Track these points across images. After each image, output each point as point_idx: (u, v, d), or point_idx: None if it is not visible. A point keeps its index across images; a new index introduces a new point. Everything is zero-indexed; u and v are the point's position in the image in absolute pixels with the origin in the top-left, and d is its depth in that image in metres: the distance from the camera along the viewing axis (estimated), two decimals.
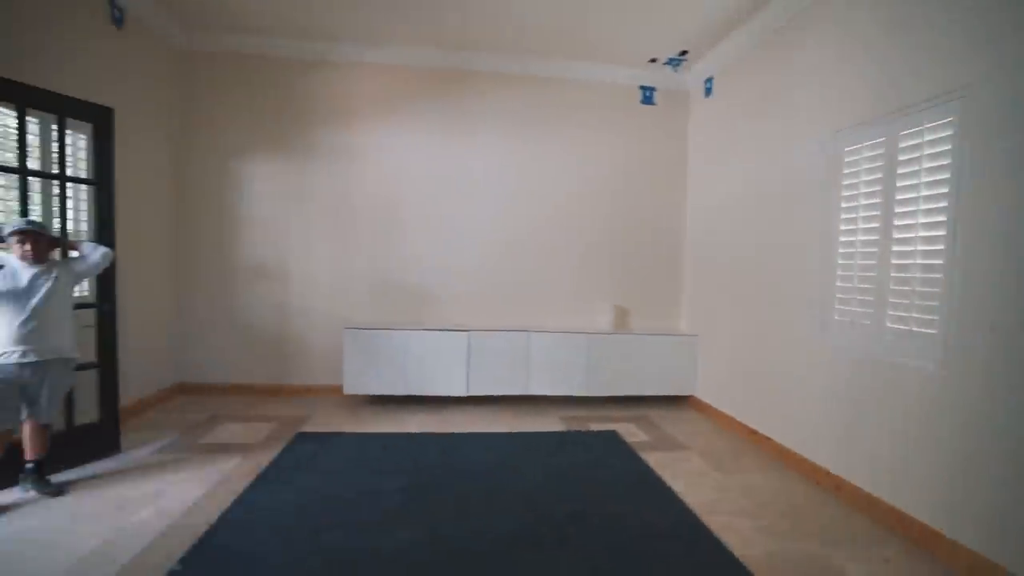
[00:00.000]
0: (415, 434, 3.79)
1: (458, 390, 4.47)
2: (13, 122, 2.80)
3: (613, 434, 3.91)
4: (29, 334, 2.54)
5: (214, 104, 4.56)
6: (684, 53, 4.54)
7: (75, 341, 2.79)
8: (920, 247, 2.52)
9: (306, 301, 4.70)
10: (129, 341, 3.53)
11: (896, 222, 2.66)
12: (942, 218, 2.41)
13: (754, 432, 3.79)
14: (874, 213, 2.80)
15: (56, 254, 2.86)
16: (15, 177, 2.82)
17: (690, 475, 3.18)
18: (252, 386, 4.66)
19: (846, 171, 3.02)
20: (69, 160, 3.13)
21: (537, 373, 4.54)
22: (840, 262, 3.03)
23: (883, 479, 2.68)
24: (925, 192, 2.52)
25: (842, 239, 3.02)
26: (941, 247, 2.40)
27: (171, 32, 4.30)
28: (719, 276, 4.42)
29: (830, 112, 3.15)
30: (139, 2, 3.86)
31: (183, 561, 2.12)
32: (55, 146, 3.00)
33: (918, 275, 2.52)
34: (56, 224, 3.00)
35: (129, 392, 3.71)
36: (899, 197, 2.65)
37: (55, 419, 2.79)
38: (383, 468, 3.13)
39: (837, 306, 3.04)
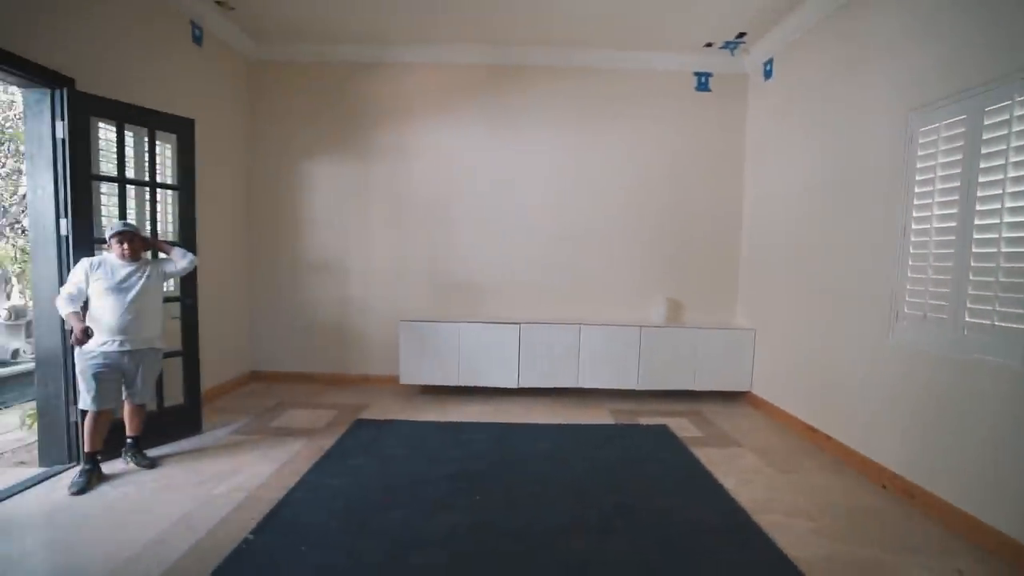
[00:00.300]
0: (467, 423, 3.91)
1: (509, 382, 4.55)
2: (113, 136, 3.16)
3: (664, 428, 3.86)
4: (126, 325, 2.85)
5: (280, 110, 4.87)
6: (741, 36, 4.35)
7: (163, 332, 3.11)
8: (1005, 234, 2.30)
9: (365, 295, 4.94)
10: (208, 332, 3.87)
11: (978, 207, 2.44)
12: None
13: (814, 430, 3.61)
14: (952, 198, 2.58)
15: (147, 254, 3.19)
16: (115, 185, 3.18)
17: (743, 472, 3.09)
18: (316, 375, 4.97)
19: (920, 153, 2.79)
20: (158, 168, 3.47)
21: (588, 366, 4.54)
22: (912, 251, 2.82)
23: (958, 484, 2.48)
24: (1013, 173, 2.29)
25: (915, 227, 2.80)
26: None
27: (242, 45, 4.64)
28: (778, 268, 4.22)
29: (902, 90, 2.92)
30: (215, 21, 4.20)
31: (255, 531, 2.33)
32: (146, 156, 3.34)
33: (1002, 264, 2.31)
34: (147, 226, 3.35)
35: (209, 378, 4.06)
36: (982, 180, 2.43)
37: (149, 401, 3.12)
38: (436, 455, 3.27)
39: (908, 299, 2.83)
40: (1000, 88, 2.35)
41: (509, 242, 4.90)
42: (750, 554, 2.24)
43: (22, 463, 3.10)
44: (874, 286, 3.08)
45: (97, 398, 2.78)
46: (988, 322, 2.37)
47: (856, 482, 3.00)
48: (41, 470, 2.93)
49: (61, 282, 2.86)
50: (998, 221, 2.34)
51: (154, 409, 3.31)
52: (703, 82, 4.84)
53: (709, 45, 4.55)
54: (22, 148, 5.44)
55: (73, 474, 2.78)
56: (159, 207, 3.43)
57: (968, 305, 2.47)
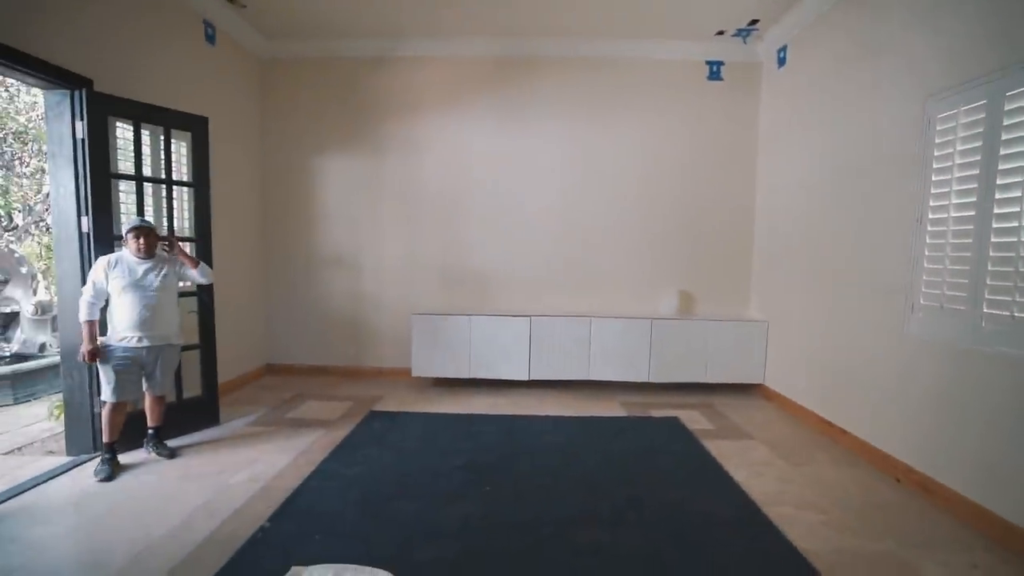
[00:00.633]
0: (478, 415, 3.95)
1: (520, 374, 4.58)
2: (130, 134, 3.23)
3: (675, 421, 3.85)
4: (145, 322, 2.92)
5: (292, 106, 4.92)
6: (754, 22, 4.27)
7: (180, 328, 3.18)
8: None
9: (377, 288, 5.00)
10: (225, 326, 3.95)
11: (998, 195, 2.38)
12: None
13: (828, 423, 3.57)
14: (970, 186, 2.52)
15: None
16: (133, 183, 3.26)
17: (754, 465, 3.07)
18: (330, 368, 5.05)
19: (938, 140, 2.73)
20: (174, 165, 3.54)
21: (599, 358, 4.54)
22: (929, 242, 2.76)
23: (977, 479, 2.44)
24: None
25: (932, 216, 2.75)
26: None
27: (254, 43, 4.69)
28: (792, 259, 4.17)
29: (919, 76, 2.85)
30: (228, 19, 4.25)
31: (272, 519, 2.39)
32: (163, 154, 3.42)
33: (1022, 255, 2.25)
34: (164, 223, 3.43)
35: (225, 372, 4.15)
36: (1002, 167, 2.37)
37: (168, 392, 3.21)
38: (447, 446, 3.31)
39: (924, 290, 2.78)
40: (1022, 72, 2.28)
41: (520, 235, 4.91)
42: (761, 546, 2.24)
43: (51, 452, 3.22)
44: (890, 277, 3.03)
45: (117, 390, 2.87)
46: (1007, 313, 2.31)
47: (870, 475, 2.97)
48: (69, 459, 3.04)
49: (83, 278, 2.94)
50: (1018, 210, 2.28)
51: (173, 401, 3.40)
52: (715, 71, 4.77)
53: (721, 33, 4.48)
54: (45, 148, 5.59)
55: (96, 463, 2.89)
56: (175, 204, 3.50)
57: (987, 296, 2.41)
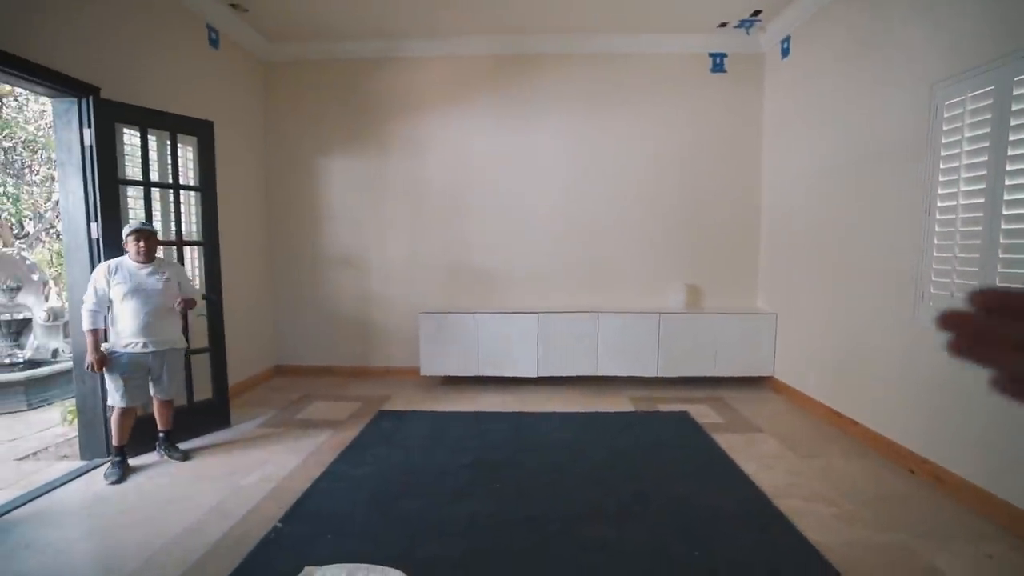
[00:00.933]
0: (487, 413, 3.96)
1: (528, 371, 4.58)
2: (137, 140, 3.26)
3: (684, 415, 3.84)
4: (148, 327, 2.92)
5: (295, 108, 4.95)
6: (757, 13, 4.23)
7: (182, 333, 3.18)
8: None
9: (384, 288, 5.02)
10: (233, 328, 3.97)
11: (1007, 182, 2.35)
12: None
13: (838, 414, 3.55)
14: (979, 173, 2.49)
15: (161, 252, 3.27)
16: (140, 188, 3.29)
17: (763, 457, 3.06)
18: (338, 368, 5.08)
19: (945, 128, 2.69)
20: (180, 170, 3.56)
21: (607, 354, 4.54)
22: (938, 230, 2.73)
23: (991, 469, 2.42)
24: None
25: (940, 204, 2.72)
26: None
27: (257, 46, 4.72)
28: (799, 251, 4.14)
29: (925, 63, 2.82)
30: (231, 23, 4.28)
31: (283, 520, 2.41)
32: (169, 159, 3.44)
33: None
34: (172, 227, 3.46)
35: (235, 374, 4.18)
36: (1011, 153, 2.34)
37: (176, 396, 3.20)
38: (456, 444, 3.32)
39: (934, 279, 2.75)
40: None
41: (525, 231, 4.91)
42: (771, 539, 2.23)
43: (65, 457, 3.26)
44: (899, 266, 3.00)
45: (125, 396, 2.89)
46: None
47: (882, 466, 2.95)
48: (83, 463, 3.08)
49: None
50: None
51: (184, 404, 3.43)
52: (718, 63, 4.73)
53: (723, 25, 4.44)
54: (54, 156, 5.65)
55: (106, 466, 2.92)
56: (182, 208, 3.53)
57: (998, 284, 2.39)
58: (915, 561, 2.07)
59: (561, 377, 4.67)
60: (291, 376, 5.06)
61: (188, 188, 3.60)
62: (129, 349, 2.90)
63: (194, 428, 3.46)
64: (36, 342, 5.02)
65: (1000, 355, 0.35)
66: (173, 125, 3.42)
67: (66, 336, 5.05)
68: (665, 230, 4.86)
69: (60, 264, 6.89)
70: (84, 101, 2.97)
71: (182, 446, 3.23)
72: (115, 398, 2.90)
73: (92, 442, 3.14)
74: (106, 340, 2.93)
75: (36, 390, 4.42)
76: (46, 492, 2.71)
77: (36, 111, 7.54)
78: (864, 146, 3.34)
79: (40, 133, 7.55)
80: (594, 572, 2.02)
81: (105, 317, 2.91)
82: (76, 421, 3.26)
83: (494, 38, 4.68)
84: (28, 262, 5.57)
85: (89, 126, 2.97)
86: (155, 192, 3.41)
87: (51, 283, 6.31)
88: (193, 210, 3.68)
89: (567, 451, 3.21)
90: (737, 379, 4.59)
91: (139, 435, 3.07)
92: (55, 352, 5.00)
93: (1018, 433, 2.28)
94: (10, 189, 7.60)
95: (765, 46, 4.62)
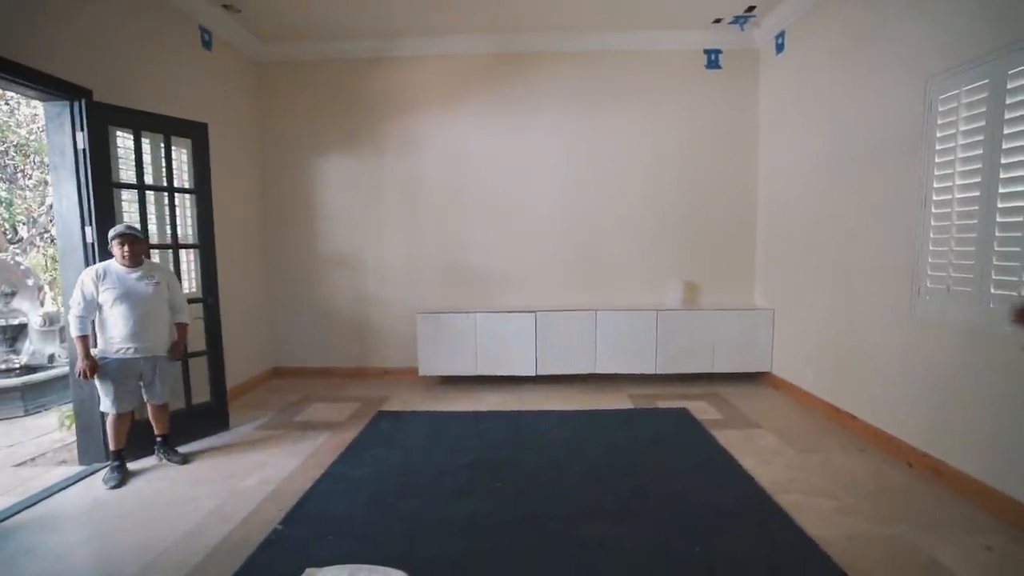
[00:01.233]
0: (485, 412, 3.95)
1: (527, 370, 4.58)
2: (131, 143, 3.23)
3: (683, 411, 3.85)
4: (138, 333, 2.87)
5: (290, 109, 4.93)
6: (751, 9, 4.23)
7: (170, 337, 3.08)
8: None
9: (381, 288, 5.01)
10: (230, 331, 3.96)
11: (1003, 175, 2.36)
12: None
13: (836, 409, 3.56)
14: (974, 167, 2.50)
15: (157, 256, 3.25)
16: (135, 191, 3.26)
17: (762, 453, 3.07)
18: (336, 369, 5.07)
19: (940, 121, 2.70)
20: (175, 172, 3.54)
21: (605, 352, 4.54)
22: (934, 224, 2.74)
23: (988, 462, 2.43)
24: None
25: (935, 198, 2.72)
26: None
27: (250, 47, 4.69)
28: (796, 246, 4.15)
29: (919, 57, 2.83)
30: (223, 24, 4.25)
31: (283, 522, 2.40)
32: (163, 161, 3.42)
33: None
34: (167, 230, 3.44)
35: (232, 376, 4.17)
36: (1006, 147, 2.35)
37: (169, 400, 3.15)
38: (455, 444, 3.32)
39: (930, 272, 2.76)
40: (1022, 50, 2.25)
41: (522, 230, 4.90)
42: (771, 534, 2.24)
43: (63, 462, 3.24)
44: (895, 260, 3.01)
45: (116, 401, 2.86)
46: (1015, 293, 2.29)
47: (880, 460, 2.96)
48: (81, 468, 3.07)
49: None
50: None
51: (182, 407, 3.42)
52: (713, 60, 4.73)
53: (718, 21, 4.45)
54: (47, 160, 5.62)
55: (105, 471, 2.90)
56: (177, 211, 3.50)
57: (994, 277, 2.40)
58: (916, 554, 2.08)
59: (559, 375, 4.67)
60: (289, 378, 5.04)
61: (183, 191, 3.58)
62: (120, 355, 2.86)
63: (192, 431, 3.45)
64: (32, 347, 4.99)
65: None
66: (167, 127, 3.40)
67: (62, 341, 5.02)
68: (662, 227, 4.87)
69: (55, 269, 6.86)
70: (76, 104, 2.95)
71: (181, 449, 3.22)
72: (106, 404, 2.87)
73: (90, 447, 3.12)
74: (95, 346, 2.88)
75: (33, 395, 4.40)
76: (45, 497, 2.69)
77: (28, 115, 7.49)
78: (860, 141, 3.34)
79: (32, 137, 7.50)
80: (594, 570, 2.02)
81: (93, 322, 2.86)
82: (74, 426, 3.25)
83: (488, 37, 4.67)
84: (23, 267, 5.54)
85: (82, 129, 2.95)
86: (150, 195, 3.39)
87: (46, 288, 6.28)
88: (188, 213, 3.66)
89: (566, 449, 3.21)
90: (735, 375, 4.60)
91: (137, 439, 3.06)
92: (51, 357, 4.97)
93: (1016, 425, 2.29)
94: (3, 194, 7.56)
95: (760, 42, 4.62)
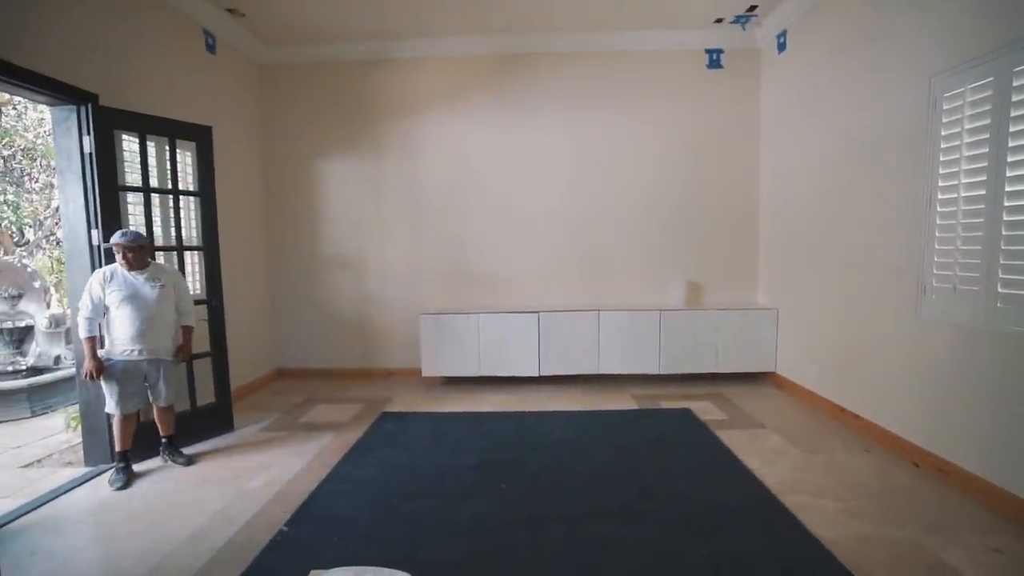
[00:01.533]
0: (489, 413, 3.95)
1: (530, 371, 4.58)
2: (136, 146, 3.25)
3: (686, 412, 3.84)
4: (144, 335, 2.89)
5: (292, 111, 4.94)
6: (753, 8, 4.23)
7: (175, 340, 3.10)
8: None
9: (383, 289, 5.02)
10: (234, 332, 3.97)
11: (1008, 173, 2.34)
12: None
13: (841, 409, 3.55)
14: (980, 165, 2.48)
15: (161, 258, 3.26)
16: (140, 194, 3.29)
17: (767, 453, 3.06)
18: (340, 370, 5.08)
19: (945, 120, 2.69)
20: (180, 175, 3.55)
21: (608, 352, 4.54)
22: (939, 223, 2.72)
23: (997, 463, 2.41)
24: None
25: (941, 196, 2.71)
26: None
27: (253, 50, 4.72)
28: (800, 245, 4.13)
29: (923, 55, 2.81)
30: (227, 28, 4.28)
31: (289, 523, 2.41)
32: (168, 164, 3.44)
33: None
34: (172, 232, 3.46)
35: (237, 378, 4.18)
36: (1012, 144, 2.33)
37: (174, 402, 3.16)
38: (459, 445, 3.32)
39: (936, 272, 2.75)
40: None
41: (524, 231, 4.90)
42: (776, 535, 2.23)
43: (69, 464, 3.26)
44: (900, 259, 2.99)
45: (121, 403, 2.88)
46: (1023, 293, 2.28)
47: (885, 460, 2.94)
48: (87, 469, 3.08)
49: None
50: None
51: (187, 409, 3.44)
52: (715, 59, 4.73)
53: (719, 21, 4.44)
54: (53, 163, 5.66)
55: (110, 472, 2.92)
56: (182, 213, 3.53)
57: (1001, 276, 2.38)
58: (923, 555, 2.07)
59: (562, 376, 4.66)
60: (293, 379, 5.06)
61: (187, 193, 3.59)
62: (125, 356, 2.88)
63: (197, 433, 3.46)
64: (38, 349, 5.02)
65: None
66: (172, 131, 3.42)
67: (68, 343, 5.06)
68: (664, 227, 4.86)
69: (61, 271, 6.90)
70: (83, 108, 2.97)
71: (186, 451, 3.23)
72: (111, 405, 2.89)
73: (96, 448, 3.14)
74: (101, 347, 2.90)
75: (39, 397, 4.42)
76: (51, 499, 2.71)
77: (35, 119, 7.54)
78: (863, 140, 3.33)
79: (39, 141, 7.55)
80: (598, 571, 2.02)
81: (100, 324, 2.89)
82: (79, 427, 3.26)
83: (488, 38, 4.67)
84: (29, 269, 5.58)
85: (88, 133, 2.97)
86: (155, 198, 3.41)
87: (52, 290, 6.32)
88: (193, 215, 3.68)
89: (570, 450, 3.21)
90: (739, 375, 4.59)
91: (143, 440, 3.07)
92: (57, 359, 5.00)
93: (1021, 425, 2.27)
94: (10, 197, 7.61)
95: (761, 41, 4.61)
